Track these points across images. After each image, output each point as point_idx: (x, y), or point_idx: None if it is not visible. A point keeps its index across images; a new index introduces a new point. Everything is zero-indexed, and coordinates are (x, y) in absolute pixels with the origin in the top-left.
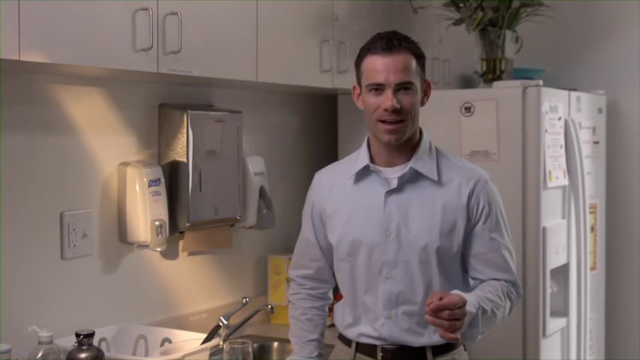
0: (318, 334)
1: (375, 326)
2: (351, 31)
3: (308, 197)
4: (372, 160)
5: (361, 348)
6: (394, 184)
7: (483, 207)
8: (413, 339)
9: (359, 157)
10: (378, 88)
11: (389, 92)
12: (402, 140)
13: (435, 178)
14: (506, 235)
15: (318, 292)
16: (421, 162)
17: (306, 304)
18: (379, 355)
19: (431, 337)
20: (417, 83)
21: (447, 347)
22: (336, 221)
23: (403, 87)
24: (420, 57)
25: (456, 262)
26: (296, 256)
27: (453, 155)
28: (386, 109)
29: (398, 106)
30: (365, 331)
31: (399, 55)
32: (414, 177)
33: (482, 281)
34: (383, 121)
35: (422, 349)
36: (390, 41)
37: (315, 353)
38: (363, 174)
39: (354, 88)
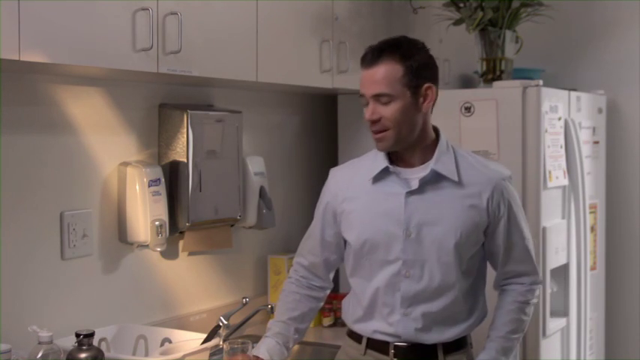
0: (287, 317)
1: (390, 322)
2: (351, 31)
3: (323, 194)
4: (390, 161)
5: (372, 344)
6: (415, 184)
7: (504, 208)
8: (426, 336)
9: (377, 158)
10: (366, 102)
11: (370, 104)
12: (396, 147)
13: (456, 178)
14: (525, 229)
15: (309, 282)
16: (441, 163)
17: (291, 288)
18: (391, 352)
19: (443, 333)
20: (399, 91)
21: (457, 345)
22: (354, 220)
23: (382, 100)
24: (408, 62)
25: (474, 260)
26: (300, 244)
27: (470, 154)
28: (368, 121)
29: (374, 117)
30: (379, 327)
31: (377, 67)
32: (435, 178)
33: (506, 281)
34: (372, 132)
35: (433, 348)
36: (372, 54)
37: (273, 332)
38: (382, 175)
39: None
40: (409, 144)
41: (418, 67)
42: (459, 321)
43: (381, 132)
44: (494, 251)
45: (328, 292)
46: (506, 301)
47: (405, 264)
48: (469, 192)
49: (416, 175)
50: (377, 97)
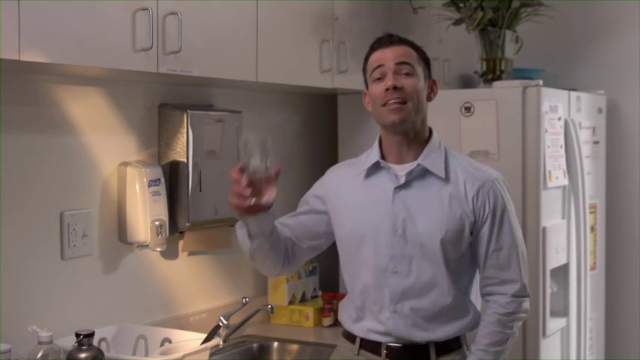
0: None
1: (381, 319)
2: (351, 31)
3: (317, 184)
4: (383, 157)
5: (365, 344)
6: (402, 180)
7: (489, 208)
8: (417, 334)
9: (370, 154)
10: (380, 77)
11: (389, 74)
12: (408, 123)
13: (442, 175)
14: (515, 236)
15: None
16: (429, 159)
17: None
18: (383, 352)
19: (435, 331)
20: (419, 71)
21: (451, 346)
22: (345, 215)
23: (403, 70)
24: (421, 53)
25: (464, 260)
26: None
27: (462, 155)
28: (387, 89)
29: (398, 84)
30: (372, 326)
31: (399, 47)
32: (422, 173)
33: (488, 289)
34: (386, 104)
35: (425, 348)
36: (391, 36)
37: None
38: (373, 170)
39: (364, 94)
40: (410, 131)
41: (427, 60)
42: (452, 320)
43: (400, 103)
44: (478, 253)
45: (289, 264)
46: (487, 314)
47: (393, 260)
48: (455, 189)
49: (405, 171)
50: (400, 65)
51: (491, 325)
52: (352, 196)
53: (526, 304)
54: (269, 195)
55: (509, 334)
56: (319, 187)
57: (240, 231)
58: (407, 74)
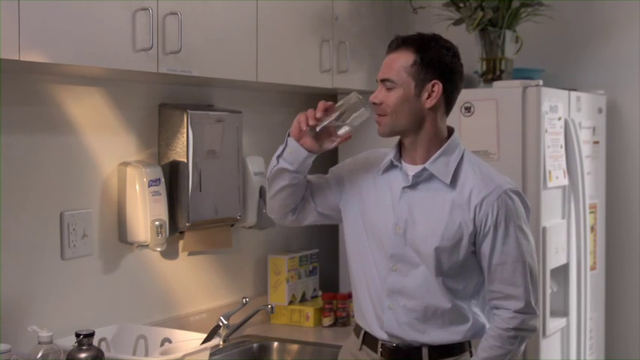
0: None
1: (379, 315)
2: (351, 31)
3: (346, 163)
4: (401, 156)
5: (367, 340)
6: (410, 181)
7: (492, 219)
8: (410, 333)
9: (391, 151)
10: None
11: (378, 88)
12: (392, 135)
13: (447, 181)
14: (523, 250)
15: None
16: (437, 163)
17: None
18: (379, 350)
19: (428, 334)
20: (403, 79)
21: (448, 351)
22: (355, 206)
23: (384, 84)
24: (421, 56)
25: (466, 268)
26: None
27: (479, 162)
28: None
29: (375, 100)
30: (371, 321)
31: (394, 54)
32: (429, 177)
33: (493, 302)
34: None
35: (419, 350)
36: (395, 41)
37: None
38: (390, 167)
39: None
40: (409, 136)
41: (429, 61)
42: (448, 325)
43: (380, 116)
44: (482, 264)
45: (294, 214)
46: (489, 327)
47: (393, 258)
48: (460, 196)
49: (414, 172)
50: (383, 81)
51: (492, 339)
52: (366, 189)
53: (533, 321)
54: (326, 145)
55: (509, 349)
56: (347, 165)
57: (280, 147)
58: (388, 89)
